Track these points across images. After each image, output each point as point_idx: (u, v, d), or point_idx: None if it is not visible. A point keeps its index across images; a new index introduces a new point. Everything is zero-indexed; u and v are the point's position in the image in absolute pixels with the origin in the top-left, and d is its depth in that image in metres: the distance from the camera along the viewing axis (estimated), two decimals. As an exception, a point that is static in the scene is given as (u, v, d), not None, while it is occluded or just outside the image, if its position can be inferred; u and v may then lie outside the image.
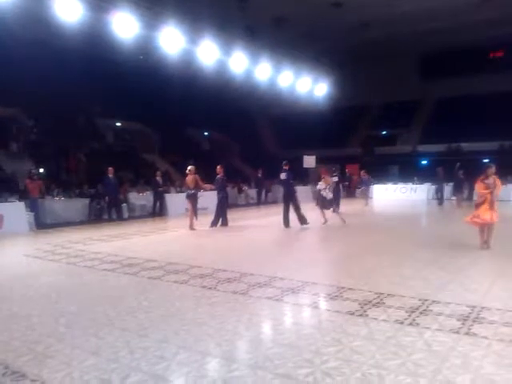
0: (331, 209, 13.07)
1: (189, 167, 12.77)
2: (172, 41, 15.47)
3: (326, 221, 12.82)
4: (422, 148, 30.13)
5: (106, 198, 15.57)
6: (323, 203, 12.92)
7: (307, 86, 23.14)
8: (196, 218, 12.60)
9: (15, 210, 13.27)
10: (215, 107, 27.17)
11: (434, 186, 21.31)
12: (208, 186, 13.51)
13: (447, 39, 27.65)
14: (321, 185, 13.15)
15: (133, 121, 26.40)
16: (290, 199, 12.35)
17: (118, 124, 26.60)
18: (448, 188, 22.93)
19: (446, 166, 22.55)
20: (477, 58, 30.00)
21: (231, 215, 14.20)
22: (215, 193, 13.53)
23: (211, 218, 13.08)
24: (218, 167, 13.30)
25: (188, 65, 18.02)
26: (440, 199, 20.28)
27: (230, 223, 13.29)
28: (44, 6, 12.49)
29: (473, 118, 26.78)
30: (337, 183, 18.51)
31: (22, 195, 14.48)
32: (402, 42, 28.16)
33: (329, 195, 12.86)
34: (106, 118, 25.49)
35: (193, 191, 12.55)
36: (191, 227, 12.42)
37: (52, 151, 20.35)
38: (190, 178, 12.55)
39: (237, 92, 24.82)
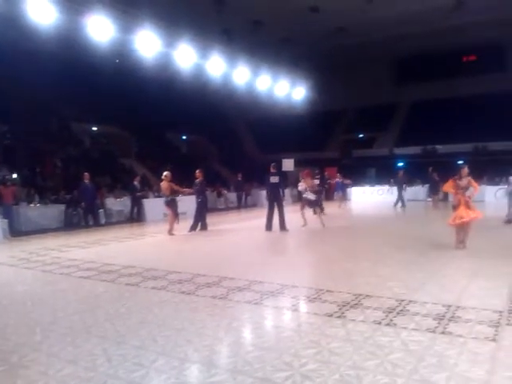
0: (312, 210, 13.13)
1: (164, 173, 12.60)
2: (148, 44, 15.36)
3: (305, 223, 12.89)
4: (398, 151, 30.60)
5: (83, 203, 15.32)
6: (309, 204, 12.97)
7: (285, 89, 23.28)
8: (178, 223, 12.49)
9: (-12, 217, 12.96)
10: (193, 111, 27.09)
11: (394, 189, 20.74)
12: (187, 190, 13.45)
13: (421, 44, 28.27)
14: (301, 185, 13.10)
15: (109, 125, 26.06)
16: (276, 202, 12.36)
17: (95, 128, 26.21)
18: (424, 189, 23.44)
19: (422, 167, 23.05)
20: (450, 62, 30.74)
21: (211, 219, 14.15)
22: (194, 197, 13.45)
23: (190, 222, 13.00)
24: (197, 171, 13.22)
25: (165, 68, 17.93)
26: (396, 202, 19.87)
27: (209, 227, 13.24)
28: (16, 7, 12.26)
29: (447, 121, 27.43)
30: (318, 186, 18.71)
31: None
32: (376, 47, 28.63)
33: (311, 196, 12.86)
34: (82, 123, 25.09)
35: (169, 198, 12.42)
36: (170, 232, 12.31)
37: (26, 156, 19.94)
38: (164, 185, 12.40)
39: (215, 95, 24.82)
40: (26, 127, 20.49)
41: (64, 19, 13.14)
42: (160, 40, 15.64)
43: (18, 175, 17.84)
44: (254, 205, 24.30)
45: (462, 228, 8.41)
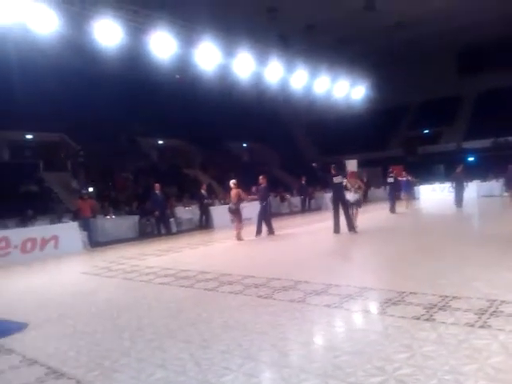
0: (357, 208, 12.31)
1: (232, 181, 12.87)
2: (208, 56, 15.75)
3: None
4: (467, 145, 29.13)
5: (156, 213, 15.86)
6: (350, 206, 12.11)
7: (344, 90, 22.93)
8: (242, 228, 12.65)
9: (69, 230, 13.83)
10: (253, 118, 27.38)
11: (452, 187, 18.25)
12: (250, 197, 13.62)
13: (484, 32, 26.82)
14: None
15: (174, 138, 27.03)
16: (340, 203, 12.10)
17: (160, 142, 27.30)
18: (498, 184, 22.08)
19: (494, 161, 21.71)
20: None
21: (276, 224, 14.16)
22: (258, 203, 13.55)
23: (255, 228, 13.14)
24: (261, 177, 13.33)
25: (225, 79, 18.29)
26: (458, 201, 17.70)
27: (276, 232, 13.27)
28: (85, 34, 13.07)
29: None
30: (393, 184, 18.22)
31: (75, 215, 15.03)
32: (437, 39, 27.59)
33: (354, 197, 12.06)
34: (148, 137, 26.21)
35: (234, 206, 12.62)
36: (238, 238, 12.47)
37: (99, 172, 21.08)
38: (234, 192, 12.66)
39: (274, 101, 24.91)
40: (98, 145, 21.66)
41: (128, 39, 13.82)
42: (219, 51, 15.99)
43: (93, 189, 18.90)
44: (319, 208, 24.06)
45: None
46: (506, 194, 19.86)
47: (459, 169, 18.28)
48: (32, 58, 17.81)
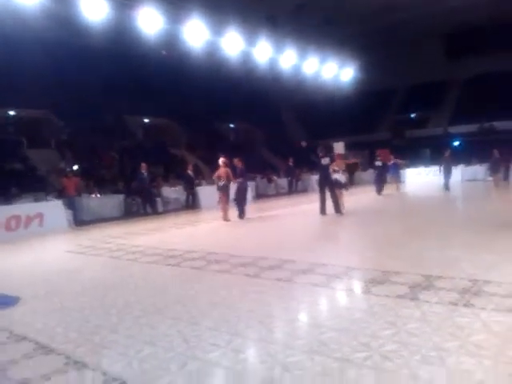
0: (342, 190, 12.43)
1: (221, 159, 12.74)
2: (196, 34, 15.52)
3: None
4: (453, 129, 29.38)
5: (143, 191, 15.67)
6: (338, 186, 12.18)
7: (333, 71, 22.84)
8: (228, 209, 12.61)
9: (54, 208, 13.70)
10: (241, 99, 27.13)
11: (441, 171, 18.39)
12: (236, 180, 13.55)
13: (473, 16, 26.79)
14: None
15: (160, 116, 26.71)
16: (327, 185, 12.13)
17: (146, 120, 26.96)
18: (482, 168, 22.42)
19: (479, 146, 21.96)
20: (506, 33, 28.85)
21: (264, 205, 14.22)
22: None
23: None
24: (236, 160, 13.09)
25: (212, 57, 18.05)
26: (446, 184, 18.02)
27: (263, 213, 13.39)
28: (70, 6, 12.74)
29: (505, 96, 25.87)
30: (381, 167, 18.40)
31: (60, 193, 14.86)
32: (427, 23, 27.52)
33: (342, 178, 12.29)
34: (134, 115, 25.85)
35: (223, 183, 12.54)
36: (225, 218, 12.46)
37: (84, 150, 20.78)
38: (222, 171, 12.56)
39: (262, 82, 24.71)
40: (83, 122, 21.30)
41: (115, 14, 13.51)
42: (207, 29, 15.74)
43: (78, 167, 18.64)
44: (305, 190, 24.16)
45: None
46: (489, 178, 20.19)
47: (447, 153, 18.50)
48: (15, 30, 17.25)
